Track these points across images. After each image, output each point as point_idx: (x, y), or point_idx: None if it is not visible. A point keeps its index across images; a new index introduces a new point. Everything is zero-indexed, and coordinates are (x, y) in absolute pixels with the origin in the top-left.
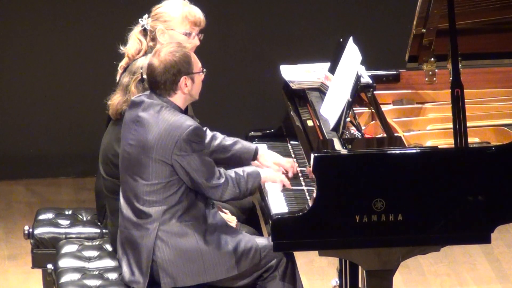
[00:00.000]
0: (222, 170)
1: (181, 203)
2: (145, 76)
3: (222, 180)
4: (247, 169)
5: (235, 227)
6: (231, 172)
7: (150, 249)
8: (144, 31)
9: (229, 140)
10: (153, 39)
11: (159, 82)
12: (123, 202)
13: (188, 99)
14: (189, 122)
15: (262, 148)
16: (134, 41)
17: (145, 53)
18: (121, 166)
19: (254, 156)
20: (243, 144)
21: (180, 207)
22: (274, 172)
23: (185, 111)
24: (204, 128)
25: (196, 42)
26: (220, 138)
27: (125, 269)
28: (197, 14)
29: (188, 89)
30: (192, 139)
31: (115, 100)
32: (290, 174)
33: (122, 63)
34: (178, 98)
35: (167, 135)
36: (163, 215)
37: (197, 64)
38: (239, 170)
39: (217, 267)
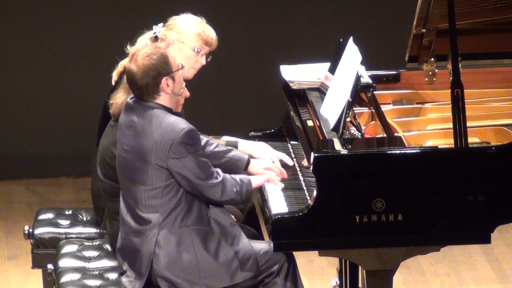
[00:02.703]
0: (219, 170)
1: (180, 206)
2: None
3: (220, 178)
4: (239, 175)
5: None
6: (226, 175)
7: (150, 255)
8: (155, 38)
9: (222, 148)
10: None
11: (141, 87)
12: (124, 208)
13: (173, 97)
14: (182, 125)
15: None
16: (141, 44)
17: None
18: (118, 171)
19: (246, 165)
20: (236, 153)
21: (179, 210)
22: (262, 176)
23: (178, 115)
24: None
25: (202, 61)
26: (214, 145)
27: (126, 273)
28: (211, 34)
29: (170, 88)
30: (186, 142)
31: (119, 99)
32: (281, 177)
33: (124, 62)
34: (163, 99)
35: (161, 139)
36: (162, 221)
37: (174, 62)
38: (232, 175)
39: (212, 277)
